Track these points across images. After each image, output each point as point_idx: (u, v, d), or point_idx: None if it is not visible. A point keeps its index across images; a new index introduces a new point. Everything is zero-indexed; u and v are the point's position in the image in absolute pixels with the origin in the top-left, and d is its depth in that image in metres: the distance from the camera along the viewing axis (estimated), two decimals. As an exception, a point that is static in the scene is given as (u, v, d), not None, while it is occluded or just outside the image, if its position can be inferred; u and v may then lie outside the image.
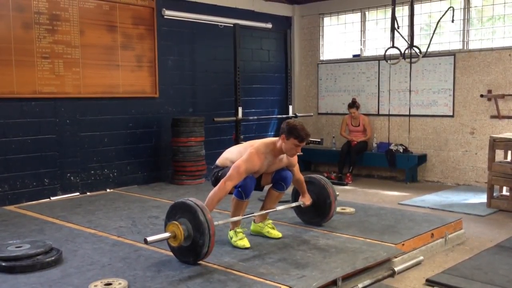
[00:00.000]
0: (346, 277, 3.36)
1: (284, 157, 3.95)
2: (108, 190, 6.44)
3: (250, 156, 3.71)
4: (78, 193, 6.18)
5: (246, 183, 3.76)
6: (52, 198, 5.94)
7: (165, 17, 6.97)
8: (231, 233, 3.93)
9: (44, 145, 5.90)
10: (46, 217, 5.00)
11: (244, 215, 3.97)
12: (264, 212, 4.12)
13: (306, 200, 4.28)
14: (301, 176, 4.23)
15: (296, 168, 4.15)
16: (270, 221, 4.20)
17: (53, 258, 3.50)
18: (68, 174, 6.13)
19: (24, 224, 4.73)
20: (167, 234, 3.44)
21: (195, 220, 3.36)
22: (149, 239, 3.35)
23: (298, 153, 3.93)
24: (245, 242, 3.84)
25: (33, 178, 5.82)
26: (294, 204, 4.37)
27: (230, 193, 3.80)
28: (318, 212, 4.39)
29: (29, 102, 5.77)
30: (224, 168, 3.91)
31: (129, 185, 6.69)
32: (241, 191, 3.78)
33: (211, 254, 3.51)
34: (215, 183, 3.89)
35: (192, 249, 3.41)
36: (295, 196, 4.48)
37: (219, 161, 4.06)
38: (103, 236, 4.26)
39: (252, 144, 3.87)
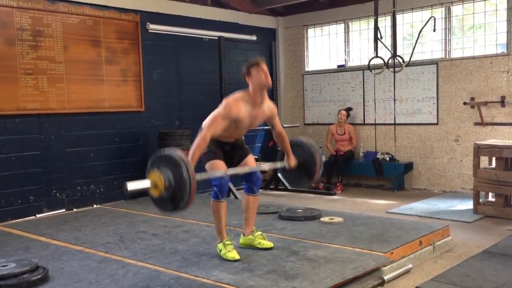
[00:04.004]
0: (336, 287, 3.36)
1: (266, 108, 3.93)
2: (95, 205, 6.37)
3: (225, 103, 3.73)
4: (64, 210, 6.11)
5: (222, 183, 3.80)
6: (38, 215, 5.86)
7: (150, 31, 6.98)
8: (220, 245, 3.90)
9: (29, 162, 5.84)
10: (32, 234, 4.92)
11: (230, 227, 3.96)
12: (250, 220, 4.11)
13: (291, 161, 4.20)
14: (283, 131, 4.16)
15: (277, 121, 4.11)
16: (259, 232, 4.18)
17: (39, 276, 3.45)
18: (54, 191, 6.06)
19: (9, 242, 4.65)
20: (148, 183, 3.33)
21: (178, 174, 3.26)
22: (129, 187, 3.25)
23: (268, 83, 3.81)
24: (235, 254, 3.82)
25: (18, 195, 5.75)
26: (279, 165, 4.30)
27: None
28: (301, 175, 4.32)
29: (13, 119, 5.72)
30: None
31: (116, 200, 6.63)
32: (217, 191, 3.81)
33: (200, 268, 3.48)
34: None
35: (171, 200, 3.34)
36: (281, 158, 4.36)
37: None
38: (90, 253, 4.21)
39: None
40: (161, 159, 3.40)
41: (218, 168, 3.80)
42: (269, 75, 3.82)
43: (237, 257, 3.80)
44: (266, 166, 4.29)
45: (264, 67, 3.80)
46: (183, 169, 3.25)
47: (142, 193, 6.83)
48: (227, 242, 3.88)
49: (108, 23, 6.52)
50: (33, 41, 5.83)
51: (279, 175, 4.59)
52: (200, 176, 3.47)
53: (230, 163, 3.94)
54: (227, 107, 3.71)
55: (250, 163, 4.04)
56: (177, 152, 3.36)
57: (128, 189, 3.24)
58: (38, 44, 5.87)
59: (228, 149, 3.99)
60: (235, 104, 3.73)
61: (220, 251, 3.88)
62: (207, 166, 3.90)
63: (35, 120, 5.90)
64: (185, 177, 3.23)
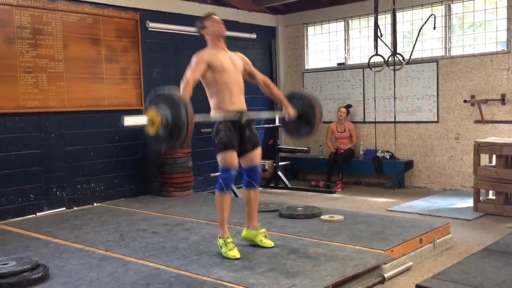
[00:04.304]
0: (337, 285, 3.35)
1: (234, 54, 4.07)
2: (95, 204, 6.37)
3: (194, 57, 3.86)
4: (64, 208, 6.11)
5: (229, 177, 3.83)
6: (38, 213, 5.86)
7: (149, 29, 6.97)
8: (221, 241, 3.90)
9: (29, 160, 5.83)
10: (32, 233, 4.93)
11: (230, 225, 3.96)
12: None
13: (290, 112, 4.25)
14: (265, 77, 4.22)
15: (255, 69, 4.19)
16: (264, 229, 4.18)
17: (39, 274, 3.45)
18: (54, 189, 6.06)
19: (9, 241, 4.66)
20: (145, 119, 3.32)
21: (176, 113, 3.26)
22: (126, 122, 3.23)
23: (223, 31, 4.02)
24: (235, 253, 3.81)
25: (18, 194, 5.74)
26: (278, 114, 4.32)
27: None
28: (301, 126, 4.36)
29: (12, 117, 5.71)
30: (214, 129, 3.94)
31: (116, 198, 6.63)
32: (222, 183, 3.83)
33: (200, 266, 3.48)
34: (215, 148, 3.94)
35: (167, 138, 3.34)
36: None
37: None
38: (91, 251, 4.21)
39: None
40: (160, 97, 3.41)
41: (231, 163, 3.83)
42: (223, 25, 3.95)
43: (238, 255, 3.80)
44: (266, 114, 4.27)
45: (217, 17, 3.95)
46: (181, 108, 3.26)
47: (142, 192, 6.89)
48: (228, 240, 3.88)
49: (107, 21, 6.51)
50: (33, 40, 5.82)
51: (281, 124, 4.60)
52: (197, 118, 3.48)
53: (243, 147, 3.95)
54: (196, 55, 3.85)
55: (257, 156, 4.06)
56: (176, 92, 3.39)
57: (125, 124, 3.23)
58: (37, 43, 5.86)
59: (242, 128, 3.95)
60: (205, 53, 3.91)
61: (221, 248, 3.88)
62: (219, 157, 3.87)
63: (35, 119, 5.90)
64: (183, 117, 3.23)
